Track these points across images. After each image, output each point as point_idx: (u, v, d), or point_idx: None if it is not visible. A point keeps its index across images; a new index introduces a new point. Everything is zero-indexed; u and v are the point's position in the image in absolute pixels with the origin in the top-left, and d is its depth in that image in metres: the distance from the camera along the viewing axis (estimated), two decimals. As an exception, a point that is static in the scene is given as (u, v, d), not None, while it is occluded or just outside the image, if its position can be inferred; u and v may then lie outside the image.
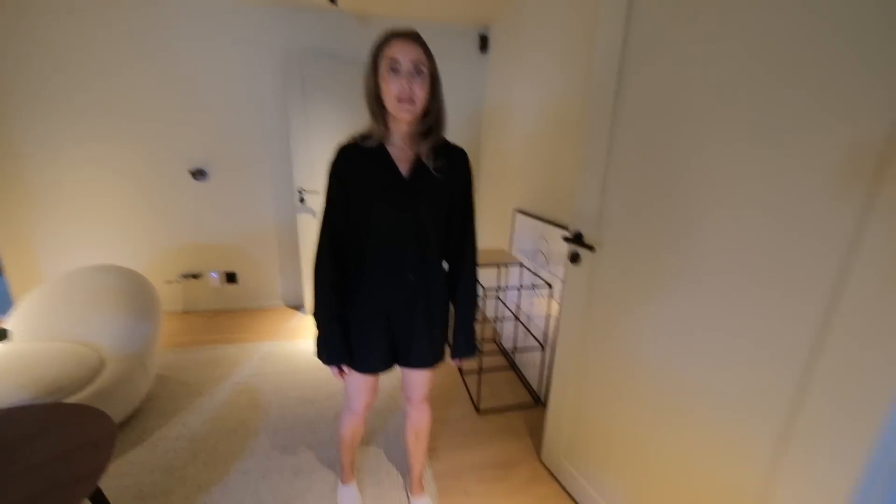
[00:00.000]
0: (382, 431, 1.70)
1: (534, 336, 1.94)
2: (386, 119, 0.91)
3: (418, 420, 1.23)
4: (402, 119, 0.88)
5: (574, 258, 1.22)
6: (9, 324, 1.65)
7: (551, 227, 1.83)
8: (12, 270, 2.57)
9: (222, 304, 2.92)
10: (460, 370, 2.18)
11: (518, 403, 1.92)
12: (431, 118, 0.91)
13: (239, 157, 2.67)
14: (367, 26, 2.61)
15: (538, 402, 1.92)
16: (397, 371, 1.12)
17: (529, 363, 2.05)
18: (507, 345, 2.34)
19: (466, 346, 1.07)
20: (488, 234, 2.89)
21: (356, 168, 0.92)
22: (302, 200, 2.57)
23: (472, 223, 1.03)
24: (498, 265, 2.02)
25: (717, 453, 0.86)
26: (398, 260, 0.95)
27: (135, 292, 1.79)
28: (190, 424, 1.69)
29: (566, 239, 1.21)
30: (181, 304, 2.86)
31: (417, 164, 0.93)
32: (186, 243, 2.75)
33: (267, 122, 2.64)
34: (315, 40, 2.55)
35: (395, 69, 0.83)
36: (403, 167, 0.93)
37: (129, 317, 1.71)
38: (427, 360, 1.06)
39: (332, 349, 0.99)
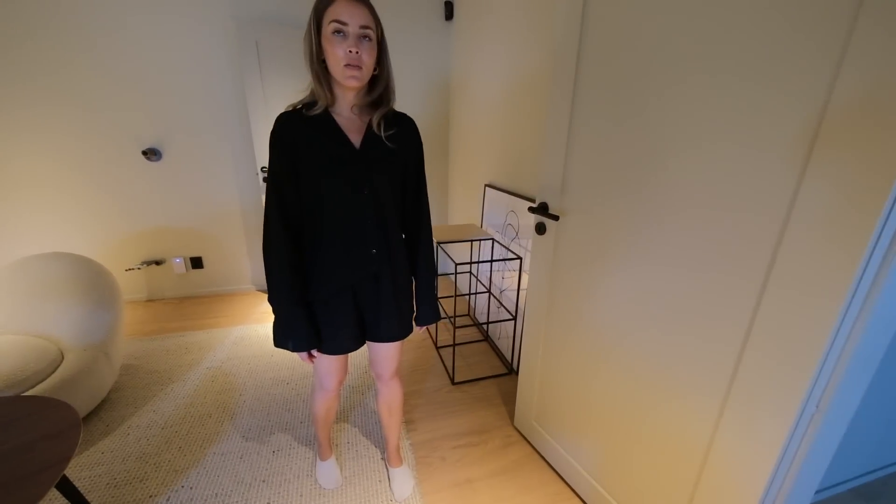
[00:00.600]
0: (360, 407, 1.73)
1: (505, 308, 2.00)
2: (331, 85, 0.87)
3: (390, 395, 1.24)
4: (349, 87, 0.85)
5: (540, 229, 1.25)
6: (-50, 319, 1.54)
7: (520, 201, 1.86)
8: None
9: (189, 291, 2.83)
10: (435, 345, 2.23)
11: (492, 373, 1.99)
12: (381, 86, 0.89)
13: (194, 135, 2.51)
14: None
15: (511, 371, 2.01)
16: (365, 347, 1.13)
17: (503, 334, 2.13)
18: (481, 318, 2.41)
19: (432, 312, 1.10)
20: (459, 208, 2.89)
21: (303, 138, 0.87)
22: (265, 180, 2.47)
23: (425, 192, 1.04)
24: (470, 241, 2.04)
25: (671, 408, 0.94)
26: (359, 233, 0.93)
27: (91, 280, 1.70)
28: (161, 411, 1.66)
29: (532, 209, 1.23)
30: (145, 293, 2.74)
31: (368, 134, 0.91)
32: (145, 228, 2.62)
33: (221, 96, 2.47)
34: (269, 5, 2.39)
35: (340, 31, 0.79)
36: (354, 137, 0.90)
37: (86, 306, 1.63)
38: (397, 332, 1.06)
39: (298, 335, 0.95)
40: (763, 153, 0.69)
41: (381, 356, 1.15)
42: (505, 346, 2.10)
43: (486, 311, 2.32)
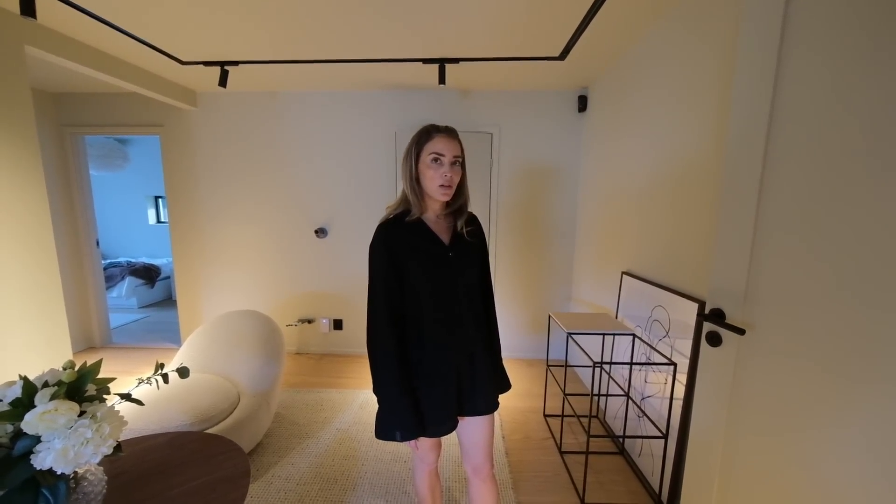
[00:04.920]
0: None
1: (651, 420, 1.68)
2: (423, 198, 1.03)
3: (489, 497, 1.14)
4: (440, 200, 1.03)
5: (713, 340, 1.06)
6: (179, 357, 2.03)
7: (670, 295, 1.64)
8: (184, 311, 3.22)
9: (329, 348, 3.20)
10: (559, 448, 1.97)
11: (633, 502, 1.63)
12: (463, 197, 1.08)
13: (354, 218, 3.05)
14: (468, 99, 2.89)
15: (658, 503, 1.61)
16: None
17: (645, 451, 1.76)
18: (613, 424, 2.06)
19: (507, 381, 1.20)
20: (588, 295, 2.71)
21: (404, 241, 1.01)
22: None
23: (490, 276, 1.19)
24: (604, 334, 1.85)
25: None
26: (457, 317, 1.05)
27: (268, 336, 2.07)
28: (298, 465, 1.80)
29: (703, 316, 1.06)
30: (295, 346, 3.21)
31: (454, 233, 1.07)
32: (305, 291, 3.15)
33: (380, 188, 3.00)
34: (424, 114, 2.91)
35: (438, 161, 0.98)
36: (444, 237, 1.06)
37: (262, 358, 1.97)
38: (493, 402, 1.11)
39: (406, 424, 1.00)
40: None
41: (477, 437, 1.13)
42: (647, 466, 1.72)
43: (620, 416, 1.99)
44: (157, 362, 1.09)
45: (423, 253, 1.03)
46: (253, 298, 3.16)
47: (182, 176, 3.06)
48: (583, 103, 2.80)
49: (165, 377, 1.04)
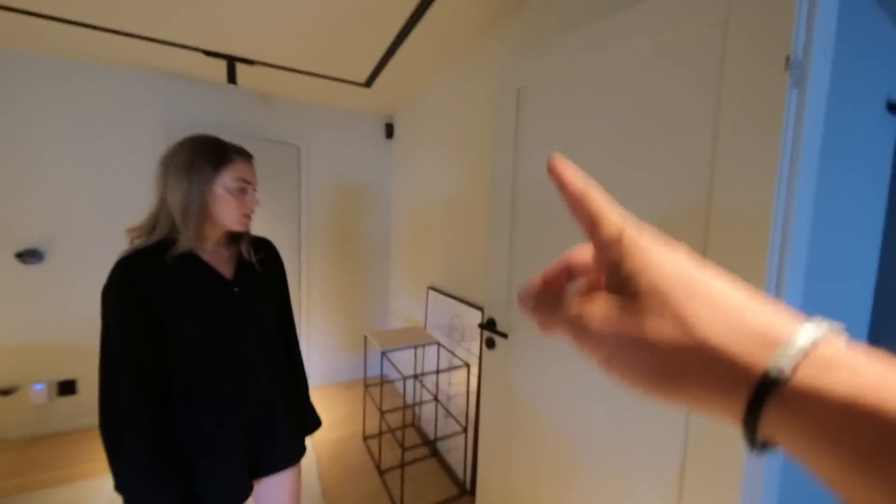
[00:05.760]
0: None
1: (455, 418, 1.89)
2: (204, 228, 0.84)
3: None
4: (238, 230, 0.88)
5: (490, 343, 1.28)
6: None
7: (464, 307, 1.91)
8: None
9: (50, 427, 2.18)
10: (379, 469, 1.97)
11: (443, 498, 1.78)
12: None
13: (93, 235, 2.21)
14: (270, 105, 2.61)
15: (464, 491, 1.82)
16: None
17: (452, 446, 1.97)
18: (427, 427, 2.23)
19: (316, 420, 1.09)
20: (401, 309, 2.87)
21: (166, 284, 0.78)
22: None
23: (290, 307, 1.07)
24: (415, 346, 1.98)
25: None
26: (245, 366, 0.88)
27: None
28: None
29: (481, 326, 1.27)
30: (-24, 436, 2.04)
31: (238, 264, 0.91)
32: (2, 346, 2.07)
33: (134, 195, 2.29)
34: (208, 113, 2.43)
35: (244, 190, 0.85)
36: (225, 270, 0.88)
37: None
38: (295, 450, 0.99)
39: None
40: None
41: (279, 500, 0.97)
42: (455, 460, 1.94)
43: (432, 419, 2.17)
44: None
45: (198, 295, 0.82)
46: None
47: None
48: (389, 130, 2.99)
49: None
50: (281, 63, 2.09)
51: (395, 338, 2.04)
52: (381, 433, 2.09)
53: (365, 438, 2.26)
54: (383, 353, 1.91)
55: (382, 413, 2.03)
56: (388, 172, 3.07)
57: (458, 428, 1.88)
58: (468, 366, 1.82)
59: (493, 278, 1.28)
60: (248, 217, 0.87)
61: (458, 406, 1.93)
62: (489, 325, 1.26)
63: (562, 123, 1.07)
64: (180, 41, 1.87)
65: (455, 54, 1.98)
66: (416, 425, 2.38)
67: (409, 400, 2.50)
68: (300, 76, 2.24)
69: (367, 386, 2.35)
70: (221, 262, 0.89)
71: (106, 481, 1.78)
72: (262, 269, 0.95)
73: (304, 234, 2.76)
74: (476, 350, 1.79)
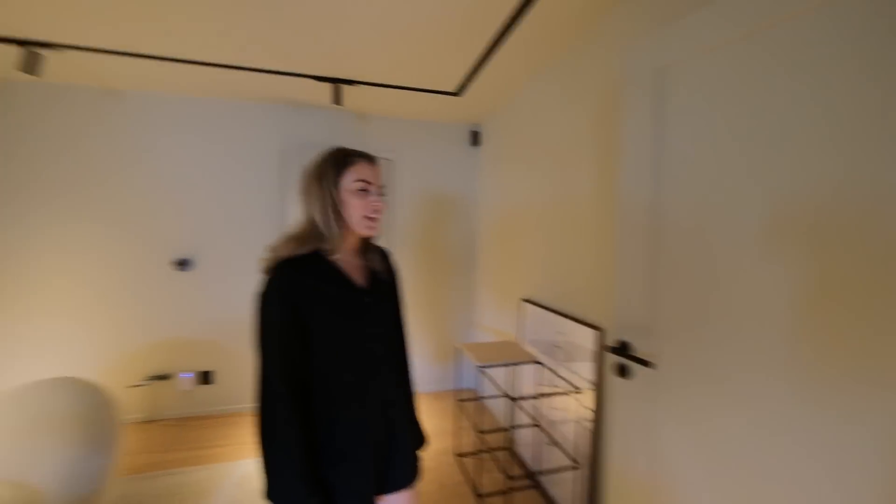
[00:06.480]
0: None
1: (564, 450, 1.69)
2: (342, 233, 0.86)
3: None
4: (364, 234, 0.88)
5: (622, 371, 1.09)
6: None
7: (570, 322, 1.72)
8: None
9: (194, 410, 2.55)
10: (476, 492, 1.86)
11: (550, 537, 1.60)
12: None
13: (228, 247, 2.55)
14: (367, 123, 2.76)
15: (573, 534, 1.61)
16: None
17: (558, 480, 1.77)
18: (523, 453, 2.06)
19: (420, 435, 1.03)
20: (489, 321, 2.75)
21: (312, 289, 0.80)
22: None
23: (405, 318, 1.04)
24: (514, 364, 1.85)
25: None
26: (374, 376, 0.87)
27: (92, 413, 1.50)
28: None
29: (611, 349, 1.09)
30: (144, 412, 2.47)
31: (369, 273, 0.91)
32: (158, 340, 2.48)
33: (261, 212, 2.59)
34: (314, 135, 2.65)
35: (365, 190, 0.84)
36: (359, 279, 0.88)
37: (81, 446, 1.40)
38: (415, 471, 0.95)
39: None
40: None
41: None
42: (562, 495, 1.73)
43: (529, 443, 1.99)
44: None
45: (337, 301, 0.83)
46: (77, 356, 2.34)
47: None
48: (475, 138, 2.93)
49: None
50: (377, 80, 2.17)
51: (489, 352, 1.93)
52: (477, 452, 1.98)
53: (458, 455, 2.17)
54: (479, 368, 1.81)
55: (482, 432, 1.92)
56: (473, 181, 3.01)
57: (566, 461, 1.68)
58: (578, 390, 1.61)
59: (624, 296, 1.10)
60: (370, 220, 0.86)
61: (560, 433, 1.73)
62: (621, 348, 1.07)
63: (734, 105, 0.86)
64: (296, 70, 2.06)
65: (551, 55, 1.84)
66: (511, 448, 2.22)
67: (502, 418, 2.36)
68: (392, 91, 2.31)
69: (461, 401, 2.27)
70: (355, 270, 0.89)
71: (236, 466, 1.99)
72: (387, 278, 0.96)
73: (394, 244, 2.85)
74: (588, 373, 1.59)
